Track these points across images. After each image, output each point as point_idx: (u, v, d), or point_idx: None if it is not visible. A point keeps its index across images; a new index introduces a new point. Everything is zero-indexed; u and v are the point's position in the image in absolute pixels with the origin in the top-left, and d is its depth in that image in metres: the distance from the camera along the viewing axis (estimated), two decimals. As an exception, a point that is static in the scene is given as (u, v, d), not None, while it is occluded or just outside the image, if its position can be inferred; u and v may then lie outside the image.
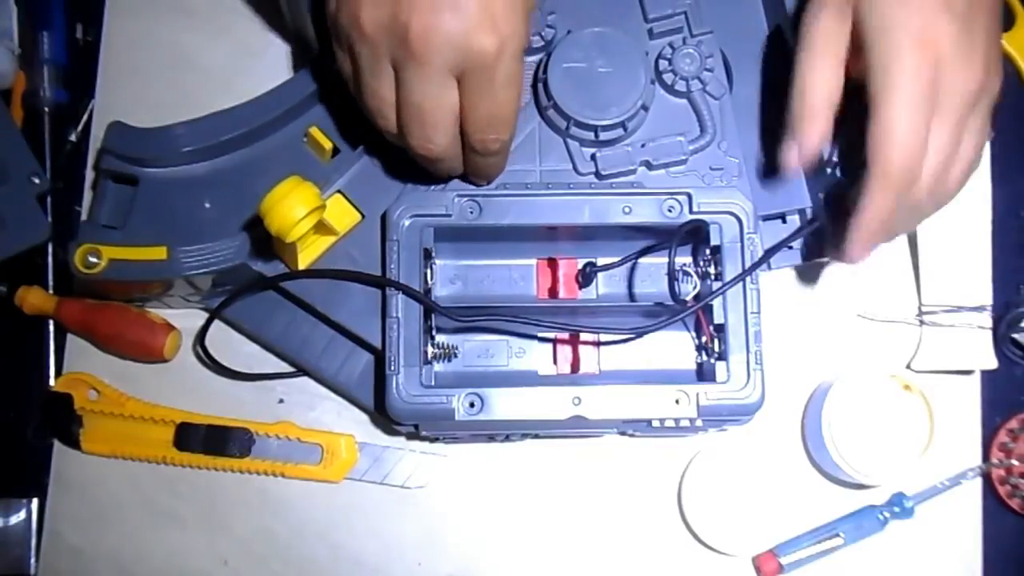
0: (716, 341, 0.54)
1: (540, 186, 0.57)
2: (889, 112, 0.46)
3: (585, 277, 0.59)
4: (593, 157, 0.58)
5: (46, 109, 0.67)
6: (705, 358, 0.56)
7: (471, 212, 0.55)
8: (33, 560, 0.63)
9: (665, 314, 0.54)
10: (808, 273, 0.64)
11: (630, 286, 0.59)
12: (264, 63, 0.67)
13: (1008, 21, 0.69)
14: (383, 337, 0.54)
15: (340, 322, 0.57)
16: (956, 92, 0.47)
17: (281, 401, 0.64)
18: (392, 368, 0.53)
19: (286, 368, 0.64)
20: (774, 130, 0.62)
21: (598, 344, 0.59)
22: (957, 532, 0.63)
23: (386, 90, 0.48)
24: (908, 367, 0.64)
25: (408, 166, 0.53)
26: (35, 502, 0.63)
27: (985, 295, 0.63)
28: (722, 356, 0.54)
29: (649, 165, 0.58)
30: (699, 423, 0.54)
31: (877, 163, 0.47)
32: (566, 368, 0.59)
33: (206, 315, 0.63)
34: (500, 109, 0.48)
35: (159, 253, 0.56)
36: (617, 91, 0.57)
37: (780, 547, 0.62)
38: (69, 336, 0.65)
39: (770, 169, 0.59)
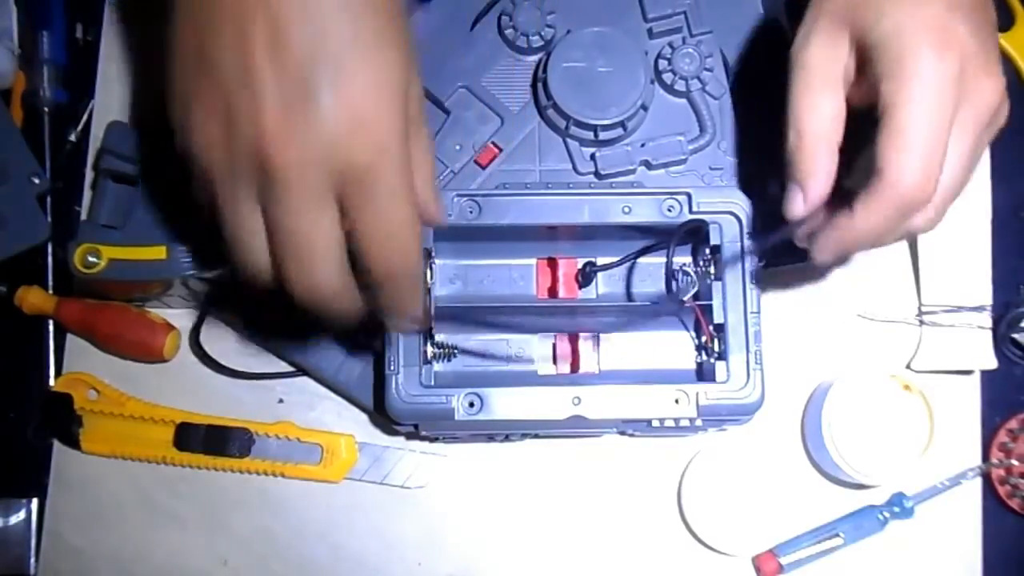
0: (716, 341, 0.54)
1: (540, 186, 0.57)
2: (907, 115, 0.42)
3: (585, 277, 0.59)
4: (593, 157, 0.58)
5: (46, 109, 0.67)
6: (705, 358, 0.56)
7: (471, 212, 0.55)
8: (33, 560, 0.63)
9: (665, 312, 0.54)
10: (808, 273, 0.64)
11: (629, 286, 0.59)
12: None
13: (1008, 21, 0.69)
14: (383, 337, 0.54)
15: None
16: (981, 100, 0.43)
17: (281, 401, 0.64)
18: (392, 368, 0.53)
19: (286, 368, 0.64)
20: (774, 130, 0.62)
21: (598, 342, 0.59)
22: (957, 532, 0.63)
23: (251, 224, 0.39)
24: (908, 367, 0.64)
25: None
26: (35, 502, 0.63)
27: (985, 295, 0.63)
28: (722, 356, 0.54)
29: (649, 165, 0.58)
30: (699, 423, 0.54)
31: (888, 173, 0.42)
32: (566, 368, 0.59)
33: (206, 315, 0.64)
34: (392, 228, 0.40)
35: (159, 253, 0.56)
36: (617, 91, 0.57)
37: (780, 547, 0.61)
38: (69, 336, 0.65)
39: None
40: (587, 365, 0.59)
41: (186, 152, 0.40)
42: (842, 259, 0.46)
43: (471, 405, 0.53)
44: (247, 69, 0.37)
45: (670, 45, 0.59)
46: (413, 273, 0.42)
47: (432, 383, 0.54)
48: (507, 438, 0.61)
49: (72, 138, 0.67)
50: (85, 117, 0.67)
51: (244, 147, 0.37)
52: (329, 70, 0.37)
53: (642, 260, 0.59)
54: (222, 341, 0.64)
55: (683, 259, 0.58)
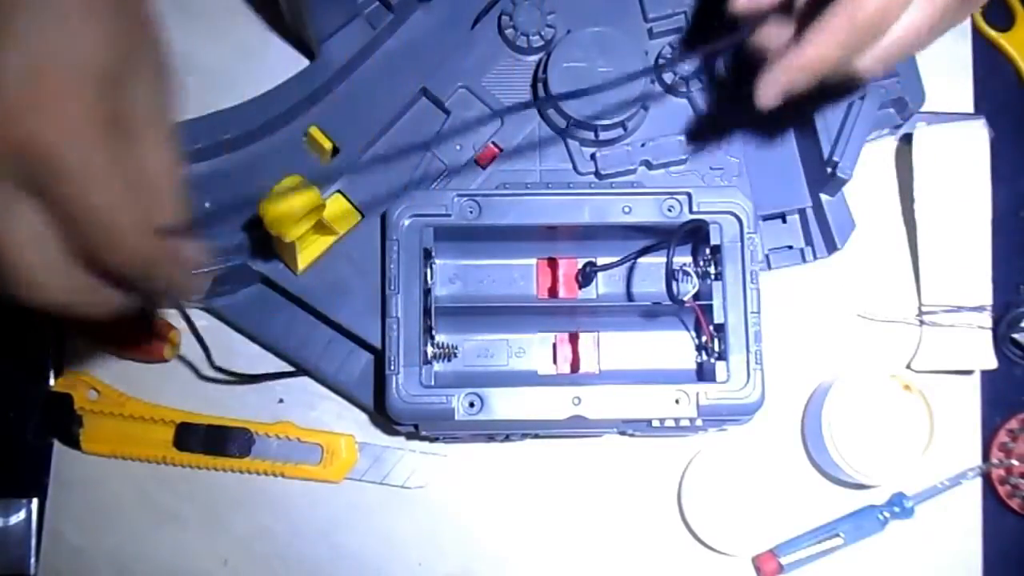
0: (716, 341, 0.54)
1: (540, 186, 0.57)
2: None
3: (585, 277, 0.59)
4: (593, 157, 0.58)
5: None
6: (705, 358, 0.56)
7: (471, 212, 0.55)
8: (33, 560, 0.63)
9: (665, 312, 0.54)
10: (808, 273, 0.64)
11: (630, 286, 0.59)
12: (264, 63, 0.67)
13: (1008, 21, 0.69)
14: (383, 337, 0.54)
15: (340, 322, 0.57)
16: None
17: (281, 401, 0.64)
18: (392, 368, 0.53)
19: (286, 368, 0.64)
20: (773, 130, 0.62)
21: (598, 342, 0.59)
22: (957, 532, 0.63)
23: None
24: (908, 367, 0.64)
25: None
26: (35, 502, 0.63)
27: (985, 295, 0.63)
28: (722, 356, 0.54)
29: (649, 165, 0.58)
30: (699, 423, 0.54)
31: None
32: (566, 368, 0.59)
33: (207, 315, 0.63)
34: (100, 218, 0.34)
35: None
36: (617, 91, 0.57)
37: (780, 547, 0.62)
38: (69, 336, 0.65)
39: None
40: (587, 365, 0.59)
41: None
42: (781, 97, 0.45)
43: (471, 405, 0.53)
44: None
45: (670, 45, 0.59)
46: (146, 259, 0.36)
47: (432, 383, 0.54)
48: (507, 438, 0.61)
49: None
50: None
51: None
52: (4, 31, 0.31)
53: (642, 260, 0.59)
54: (223, 342, 0.64)
55: (683, 259, 0.58)
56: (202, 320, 0.64)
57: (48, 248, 0.34)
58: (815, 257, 0.62)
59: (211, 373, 0.64)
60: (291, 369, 0.63)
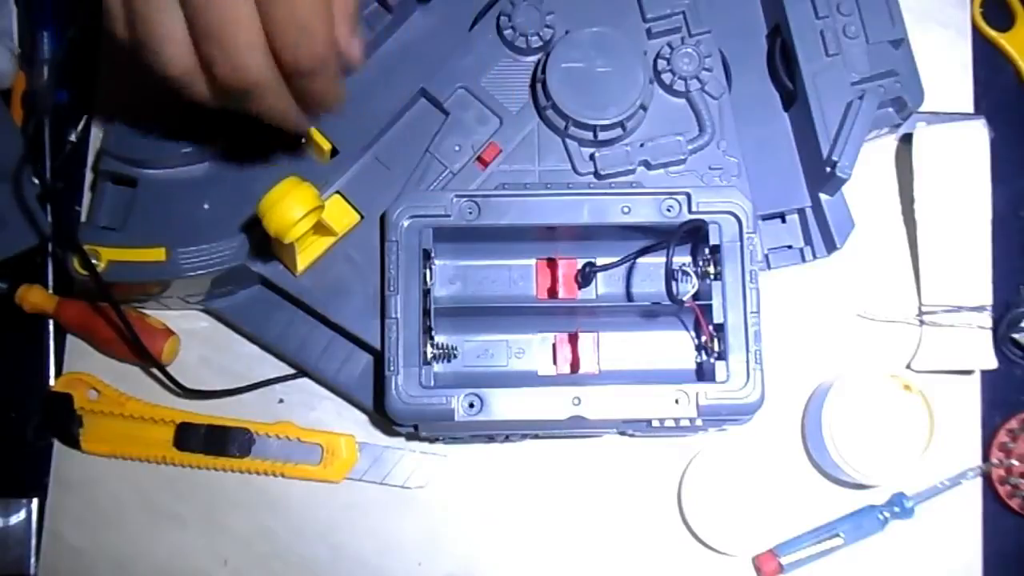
0: (716, 340, 0.54)
1: (539, 186, 0.57)
2: None
3: (584, 277, 0.58)
4: (592, 157, 0.58)
5: (46, 109, 0.67)
6: (705, 358, 0.56)
7: (470, 212, 0.55)
8: (33, 560, 0.63)
9: (665, 312, 0.54)
10: (808, 273, 0.64)
11: (629, 286, 0.59)
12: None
13: (1008, 21, 0.69)
14: (382, 338, 0.54)
15: (339, 323, 0.57)
16: None
17: (281, 401, 0.64)
18: (391, 369, 0.53)
19: (286, 370, 0.64)
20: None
21: (598, 342, 0.59)
22: (957, 532, 0.63)
23: (172, 24, 0.41)
24: (908, 367, 0.64)
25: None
26: (35, 502, 0.64)
27: (985, 295, 0.62)
28: (722, 356, 0.54)
29: (648, 165, 0.58)
30: (699, 423, 0.54)
31: None
32: (566, 368, 0.59)
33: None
34: (302, 12, 0.41)
35: (158, 254, 0.56)
36: (616, 91, 0.57)
37: (780, 547, 0.61)
38: (69, 336, 0.65)
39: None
40: (587, 365, 0.59)
41: None
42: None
43: (471, 406, 0.53)
44: None
45: (669, 45, 0.58)
46: (327, 67, 0.44)
47: (432, 384, 0.54)
48: (507, 439, 0.61)
49: (72, 138, 0.67)
50: (85, 117, 0.67)
51: None
52: None
53: (642, 260, 0.58)
54: (223, 343, 0.64)
55: (683, 259, 0.58)
56: (202, 321, 0.64)
57: (257, 37, 0.41)
58: (815, 257, 0.62)
59: (211, 373, 0.64)
60: (290, 372, 0.63)
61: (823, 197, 0.60)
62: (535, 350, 0.59)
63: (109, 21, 0.43)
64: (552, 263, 0.59)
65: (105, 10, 0.43)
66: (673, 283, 0.53)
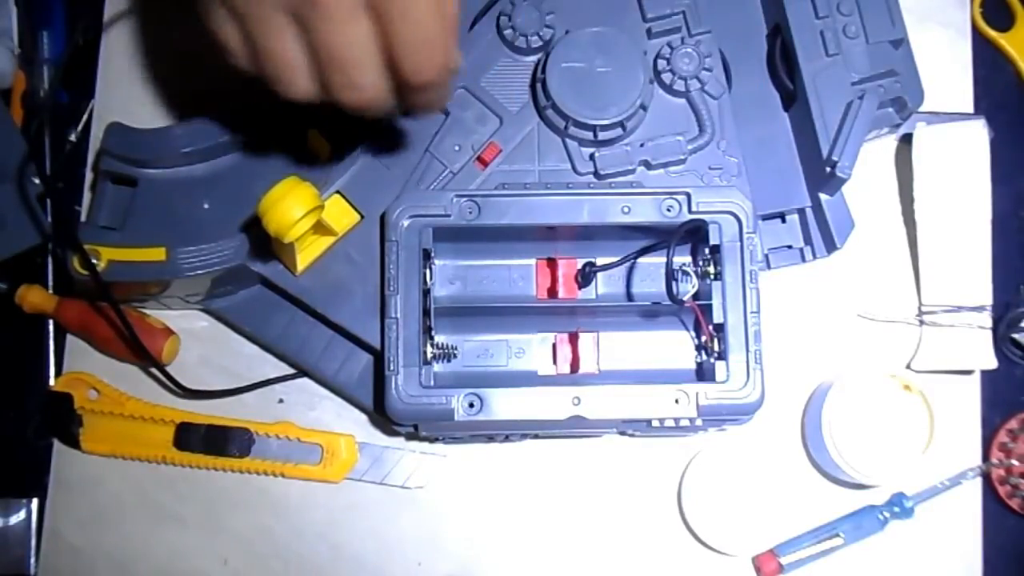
0: (716, 340, 0.54)
1: (539, 186, 0.57)
2: None
3: (584, 277, 0.58)
4: (592, 157, 0.58)
5: (46, 109, 0.67)
6: (705, 357, 0.56)
7: (470, 212, 0.55)
8: (33, 560, 0.63)
9: (665, 312, 0.54)
10: (808, 273, 0.64)
11: (629, 286, 0.59)
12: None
13: (1008, 21, 0.69)
14: (382, 337, 0.54)
15: (339, 323, 0.57)
16: None
17: (281, 401, 0.64)
18: (391, 368, 0.53)
19: (286, 370, 0.64)
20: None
21: (598, 342, 0.59)
22: (957, 532, 0.63)
23: (289, 48, 0.43)
24: (908, 367, 0.64)
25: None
26: (35, 502, 0.64)
27: (985, 295, 0.62)
28: (722, 356, 0.54)
29: (648, 165, 0.58)
30: (699, 423, 0.54)
31: None
32: (566, 368, 0.59)
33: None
34: (425, 28, 0.43)
35: (158, 254, 0.56)
36: (616, 91, 0.57)
37: (780, 547, 0.61)
38: (69, 336, 0.65)
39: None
40: (587, 365, 0.59)
41: None
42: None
43: (471, 405, 0.53)
44: None
45: (669, 45, 0.58)
46: (445, 78, 0.45)
47: (432, 384, 0.54)
48: (507, 438, 0.61)
49: (72, 138, 0.67)
50: (85, 117, 0.67)
51: None
52: None
53: (642, 260, 0.58)
54: (222, 343, 0.64)
55: (683, 259, 0.58)
56: (202, 321, 0.64)
57: (373, 58, 0.43)
58: (815, 257, 0.62)
59: (211, 373, 0.64)
60: (290, 372, 0.63)
61: (823, 197, 0.60)
62: (535, 350, 0.59)
63: (229, 56, 0.45)
64: (552, 263, 0.59)
65: (223, 46, 0.45)
66: (673, 283, 0.53)
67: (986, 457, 0.64)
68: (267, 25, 0.42)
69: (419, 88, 0.45)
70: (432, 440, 0.63)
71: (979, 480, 0.64)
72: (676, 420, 0.54)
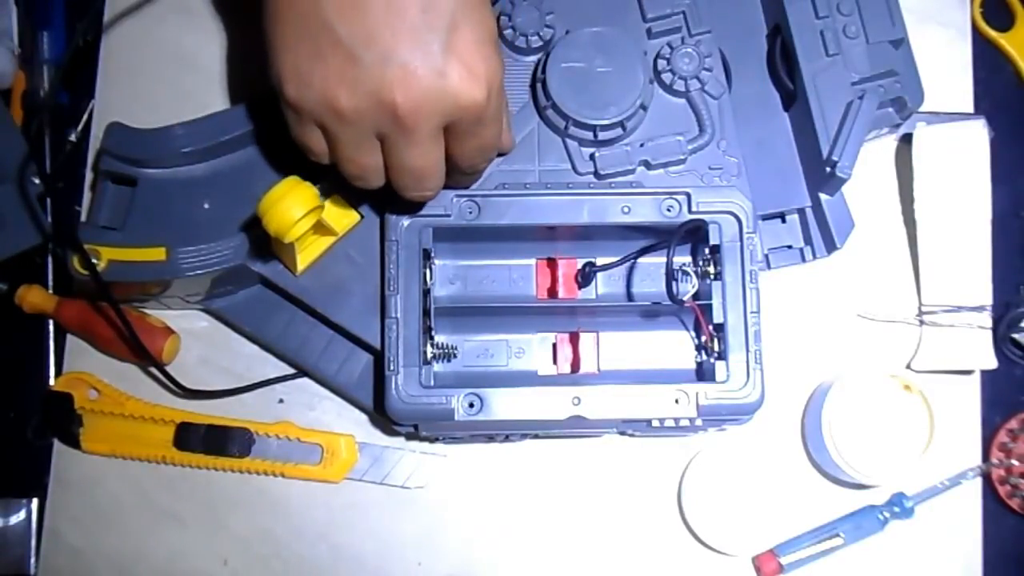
0: (716, 340, 0.54)
1: (539, 186, 0.57)
2: None
3: (584, 277, 0.59)
4: (592, 157, 0.58)
5: (46, 109, 0.67)
6: (705, 357, 0.56)
7: (470, 212, 0.55)
8: (33, 560, 0.63)
9: (665, 312, 0.54)
10: (808, 273, 0.64)
11: (629, 286, 0.59)
12: (264, 63, 0.67)
13: (1008, 21, 0.69)
14: (382, 337, 0.54)
15: (339, 323, 0.57)
16: None
17: (281, 401, 0.64)
18: (391, 368, 0.53)
19: (286, 370, 0.64)
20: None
21: (598, 342, 0.59)
22: (957, 532, 0.63)
23: (372, 159, 0.47)
24: (908, 367, 0.64)
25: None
26: (35, 502, 0.64)
27: (985, 295, 0.62)
28: (722, 355, 0.54)
29: (648, 165, 0.58)
30: (699, 423, 0.54)
31: None
32: (566, 368, 0.59)
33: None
34: (490, 141, 0.49)
35: (158, 254, 0.56)
36: (616, 91, 0.57)
37: (780, 547, 0.61)
38: (69, 336, 0.65)
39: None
40: (587, 365, 0.59)
41: (305, 110, 0.46)
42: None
43: (471, 405, 0.53)
44: (370, 35, 0.43)
45: (669, 45, 0.58)
46: (490, 162, 0.54)
47: (432, 383, 0.54)
48: (507, 438, 0.61)
49: (72, 138, 0.67)
50: (85, 117, 0.67)
51: (382, 108, 0.44)
52: (443, 31, 0.44)
53: (642, 260, 0.58)
54: (222, 343, 0.64)
55: (683, 259, 0.58)
56: (202, 321, 0.64)
57: (441, 170, 0.49)
58: (815, 257, 0.62)
59: (211, 373, 0.64)
60: (290, 372, 0.63)
61: (823, 197, 0.60)
62: (535, 350, 0.59)
63: (311, 156, 0.49)
64: (552, 263, 0.59)
65: (306, 150, 0.49)
66: (673, 283, 0.53)
67: (986, 457, 0.64)
68: (357, 145, 0.47)
69: (468, 176, 0.53)
70: (432, 440, 0.63)
71: (979, 480, 0.64)
72: (676, 420, 0.54)
